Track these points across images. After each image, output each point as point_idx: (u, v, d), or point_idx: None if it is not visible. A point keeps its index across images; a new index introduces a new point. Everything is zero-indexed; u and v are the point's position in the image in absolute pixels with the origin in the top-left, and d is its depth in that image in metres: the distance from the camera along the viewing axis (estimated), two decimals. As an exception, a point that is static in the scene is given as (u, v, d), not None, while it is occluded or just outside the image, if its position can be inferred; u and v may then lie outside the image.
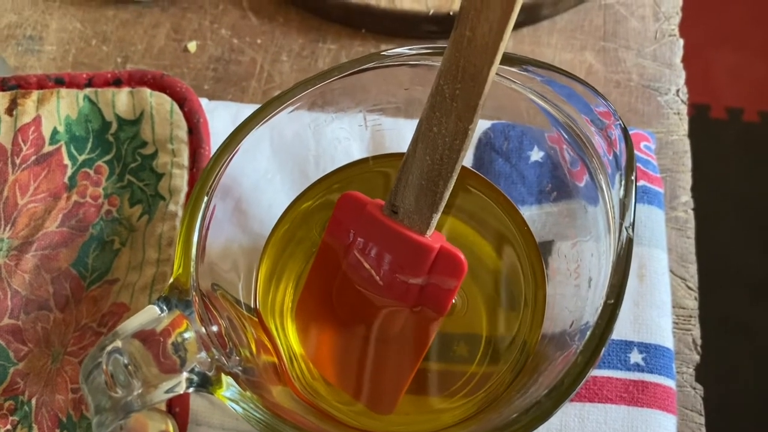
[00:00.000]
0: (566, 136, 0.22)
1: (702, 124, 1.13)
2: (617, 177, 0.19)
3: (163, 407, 0.27)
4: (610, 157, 0.20)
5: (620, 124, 0.20)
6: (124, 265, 0.29)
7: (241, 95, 0.37)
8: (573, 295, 0.23)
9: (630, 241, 0.18)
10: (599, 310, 0.18)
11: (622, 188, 0.19)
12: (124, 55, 0.38)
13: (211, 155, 0.30)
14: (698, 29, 1.17)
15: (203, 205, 0.21)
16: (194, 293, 0.20)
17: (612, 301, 0.18)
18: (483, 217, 0.27)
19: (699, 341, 0.31)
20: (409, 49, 0.23)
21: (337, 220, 0.25)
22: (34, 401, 0.28)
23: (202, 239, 0.21)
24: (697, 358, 0.31)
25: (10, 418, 0.29)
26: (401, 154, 0.27)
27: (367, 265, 0.24)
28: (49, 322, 0.29)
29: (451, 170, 0.22)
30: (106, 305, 0.29)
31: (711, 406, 0.31)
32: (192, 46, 0.38)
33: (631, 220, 0.18)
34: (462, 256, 0.23)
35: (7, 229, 0.30)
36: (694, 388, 0.30)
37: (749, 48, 1.20)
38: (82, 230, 0.30)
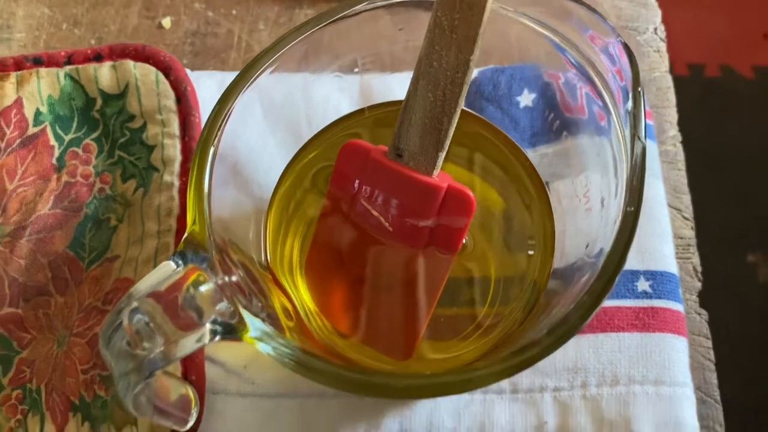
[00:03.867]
0: (570, 59, 0.22)
1: (666, 82, 1.15)
2: (624, 91, 0.20)
3: (179, 374, 0.26)
4: (615, 73, 0.20)
5: (621, 40, 0.20)
6: (123, 241, 0.29)
7: (222, 67, 0.36)
8: (584, 219, 0.23)
9: (644, 150, 0.19)
10: (618, 222, 0.18)
11: (630, 100, 0.19)
12: (97, 37, 0.37)
13: (205, 118, 0.29)
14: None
15: (210, 157, 0.20)
16: (211, 243, 0.19)
17: (632, 208, 0.18)
18: (484, 157, 0.27)
19: (699, 268, 0.32)
20: None
21: (341, 170, 0.25)
22: (42, 388, 0.28)
23: (212, 192, 0.21)
24: (699, 284, 0.32)
25: (20, 407, 0.28)
26: (397, 102, 0.26)
27: (375, 213, 0.24)
28: (50, 307, 0.29)
29: (455, 105, 0.22)
30: (108, 283, 0.28)
31: (716, 329, 0.31)
32: (166, 22, 0.37)
33: (643, 131, 0.19)
34: (470, 193, 0.23)
35: (-2, 215, 0.29)
36: (699, 314, 0.31)
37: (705, 3, 1.22)
38: (76, 210, 0.29)
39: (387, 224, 0.24)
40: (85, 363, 0.27)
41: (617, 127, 0.20)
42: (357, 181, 0.24)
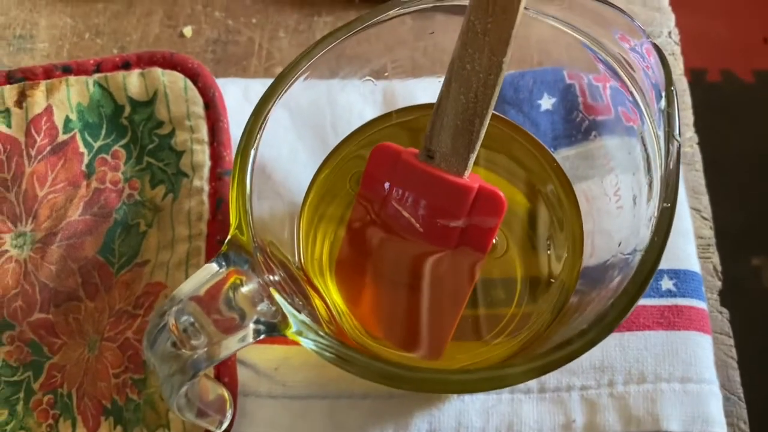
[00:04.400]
0: (599, 56, 0.22)
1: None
2: (656, 89, 0.20)
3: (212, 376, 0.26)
4: (649, 72, 0.20)
5: (650, 41, 0.21)
6: (153, 246, 0.29)
7: (243, 74, 0.36)
8: (616, 217, 0.23)
9: (679, 148, 0.19)
10: (654, 219, 0.19)
11: (664, 99, 0.20)
12: (119, 46, 0.37)
13: (233, 124, 0.30)
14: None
15: (251, 159, 0.21)
16: (255, 244, 0.20)
17: (669, 204, 0.18)
18: (511, 157, 0.28)
19: (719, 267, 0.32)
20: None
21: (371, 172, 0.25)
22: (74, 392, 0.28)
23: (253, 195, 0.21)
24: (719, 284, 0.32)
25: (51, 412, 0.28)
26: (424, 105, 0.27)
27: (405, 214, 0.25)
28: (80, 312, 0.29)
29: (487, 107, 0.22)
30: (139, 287, 0.28)
31: (738, 328, 0.31)
32: (188, 31, 0.38)
33: (678, 129, 0.19)
34: (501, 193, 0.24)
35: (29, 222, 0.29)
36: (720, 312, 0.31)
37: (705, 9, 1.23)
38: (106, 216, 0.29)
39: (418, 225, 0.25)
40: (116, 367, 0.28)
41: (650, 125, 0.21)
42: (387, 183, 0.25)
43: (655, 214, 0.19)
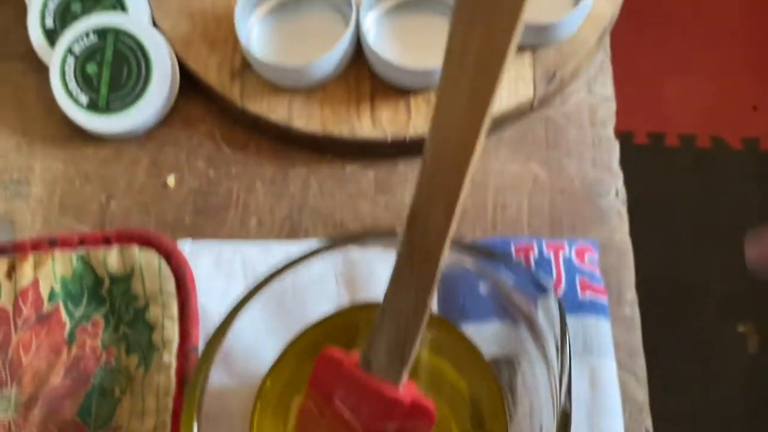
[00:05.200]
0: (505, 306, 0.25)
1: (657, 153, 1.19)
2: (553, 346, 0.23)
3: None
4: (546, 327, 0.23)
5: (556, 299, 0.23)
6: (126, 412, 0.32)
7: (221, 226, 0.39)
8: (537, 409, 0.26)
9: (567, 415, 0.21)
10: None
11: (559, 362, 0.22)
12: (107, 194, 0.40)
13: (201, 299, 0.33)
14: (648, 58, 1.23)
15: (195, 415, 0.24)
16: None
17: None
18: (450, 356, 0.30)
19: (651, 429, 0.35)
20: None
21: (317, 375, 0.28)
22: None
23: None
24: (651, 446, 0.35)
25: None
26: (374, 305, 0.30)
27: (347, 416, 0.27)
28: (58, 469, 0.32)
29: (415, 335, 0.25)
30: (111, 452, 0.31)
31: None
32: (171, 180, 0.41)
33: (567, 390, 0.22)
34: (431, 407, 0.26)
35: (14, 387, 0.32)
36: (651, 475, 0.34)
37: (695, 75, 1.25)
38: (84, 381, 0.32)
39: (358, 426, 0.27)
40: None
41: (552, 377, 0.23)
42: (332, 387, 0.28)
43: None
